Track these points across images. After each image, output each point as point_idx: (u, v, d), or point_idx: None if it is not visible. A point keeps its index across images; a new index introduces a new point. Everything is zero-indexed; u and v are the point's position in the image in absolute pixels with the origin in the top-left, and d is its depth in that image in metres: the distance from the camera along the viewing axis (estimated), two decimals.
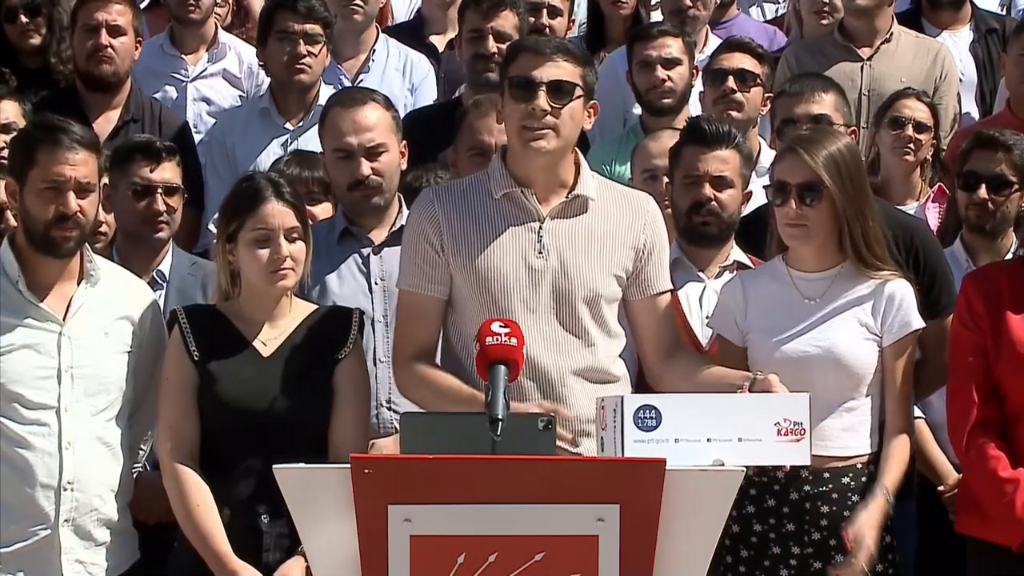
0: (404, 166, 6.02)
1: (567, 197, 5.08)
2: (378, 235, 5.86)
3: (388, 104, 6.02)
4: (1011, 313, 5.25)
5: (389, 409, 5.69)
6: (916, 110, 7.03)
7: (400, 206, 5.92)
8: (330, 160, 5.95)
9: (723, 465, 4.06)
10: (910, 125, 6.99)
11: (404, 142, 6.00)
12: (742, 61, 7.10)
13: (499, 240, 5.03)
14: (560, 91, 4.97)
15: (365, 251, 5.85)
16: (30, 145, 5.31)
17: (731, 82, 7.02)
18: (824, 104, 6.46)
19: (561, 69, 4.98)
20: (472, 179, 5.22)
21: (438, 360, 5.18)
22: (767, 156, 6.99)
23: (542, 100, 4.95)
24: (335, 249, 5.82)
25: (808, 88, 6.55)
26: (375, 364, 5.63)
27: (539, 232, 5.04)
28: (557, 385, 4.98)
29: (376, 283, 5.79)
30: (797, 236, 5.30)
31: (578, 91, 5.00)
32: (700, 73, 7.38)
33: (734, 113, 6.94)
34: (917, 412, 5.80)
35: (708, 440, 4.10)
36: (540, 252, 5.02)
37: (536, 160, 5.02)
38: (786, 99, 6.60)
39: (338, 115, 5.92)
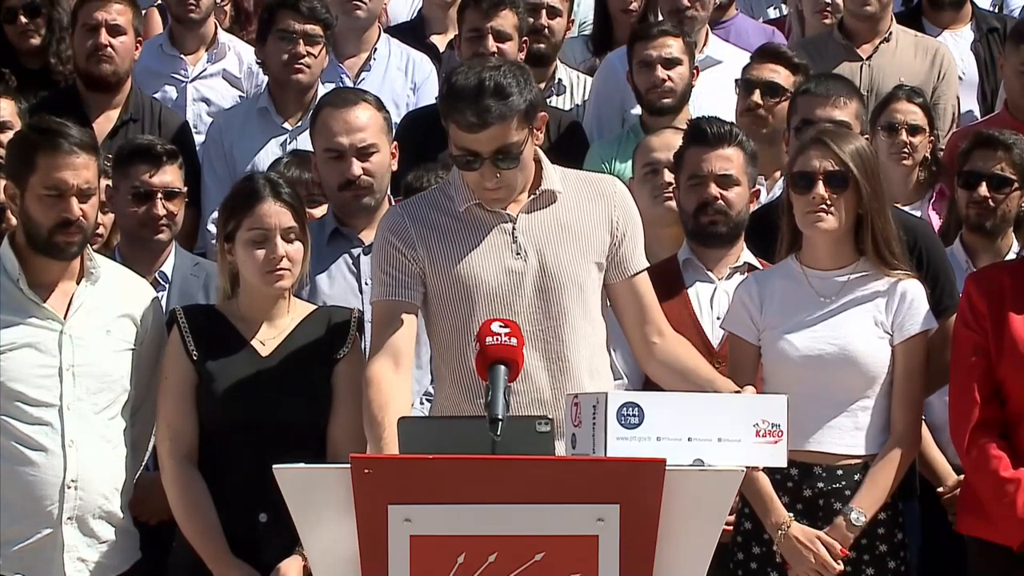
0: (395, 167, 6.00)
1: (534, 193, 4.98)
2: (368, 235, 5.82)
3: (379, 105, 6.00)
4: (1013, 313, 5.25)
5: None
6: (908, 112, 6.95)
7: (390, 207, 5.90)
8: (321, 160, 5.93)
9: (703, 464, 4.06)
10: (903, 130, 6.94)
11: (395, 143, 5.99)
12: (773, 73, 7.01)
13: (474, 247, 4.93)
14: (507, 157, 4.82)
15: (355, 251, 5.84)
16: (29, 149, 5.28)
17: (757, 96, 6.97)
18: (847, 111, 6.35)
19: (500, 131, 4.78)
20: (437, 190, 5.14)
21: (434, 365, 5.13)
22: None
23: (490, 171, 4.82)
24: (325, 249, 5.80)
25: (834, 92, 6.42)
26: None
27: (512, 233, 4.95)
28: (547, 388, 4.89)
29: (366, 283, 5.74)
30: (822, 220, 5.28)
31: (522, 140, 4.83)
32: (699, 74, 7.37)
33: (760, 129, 6.81)
34: None
35: (689, 439, 4.09)
36: (518, 253, 4.93)
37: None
38: (809, 99, 6.44)
39: (329, 115, 5.90)
